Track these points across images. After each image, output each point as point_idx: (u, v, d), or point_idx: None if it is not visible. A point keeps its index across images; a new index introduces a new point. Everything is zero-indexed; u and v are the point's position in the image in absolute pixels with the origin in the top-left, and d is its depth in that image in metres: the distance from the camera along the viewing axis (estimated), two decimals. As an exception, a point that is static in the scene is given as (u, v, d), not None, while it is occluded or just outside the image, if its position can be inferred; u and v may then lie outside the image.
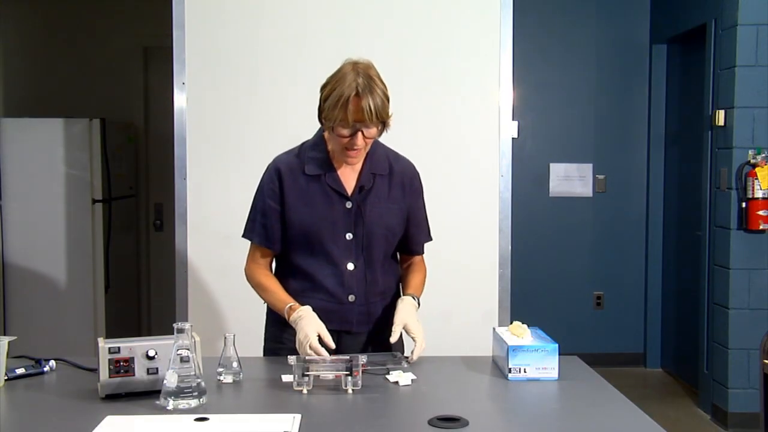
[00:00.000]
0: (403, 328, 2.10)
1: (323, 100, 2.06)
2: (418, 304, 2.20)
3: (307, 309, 2.08)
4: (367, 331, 2.21)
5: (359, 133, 2.02)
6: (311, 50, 3.04)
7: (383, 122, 2.06)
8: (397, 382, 1.95)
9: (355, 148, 2.05)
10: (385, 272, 2.22)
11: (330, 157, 2.16)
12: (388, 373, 2.00)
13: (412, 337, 2.08)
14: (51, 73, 5.40)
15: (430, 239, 2.33)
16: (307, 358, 1.90)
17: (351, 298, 2.16)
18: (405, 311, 2.12)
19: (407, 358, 2.08)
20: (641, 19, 5.46)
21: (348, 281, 2.16)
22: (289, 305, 2.10)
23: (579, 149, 5.48)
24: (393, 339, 2.07)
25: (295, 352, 2.04)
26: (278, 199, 2.16)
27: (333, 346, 2.01)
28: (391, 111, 2.07)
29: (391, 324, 2.11)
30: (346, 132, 2.03)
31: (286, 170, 2.16)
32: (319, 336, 2.01)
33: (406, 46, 3.12)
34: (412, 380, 1.97)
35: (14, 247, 4.64)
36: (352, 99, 1.99)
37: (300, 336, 2.02)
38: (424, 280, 2.30)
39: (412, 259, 2.31)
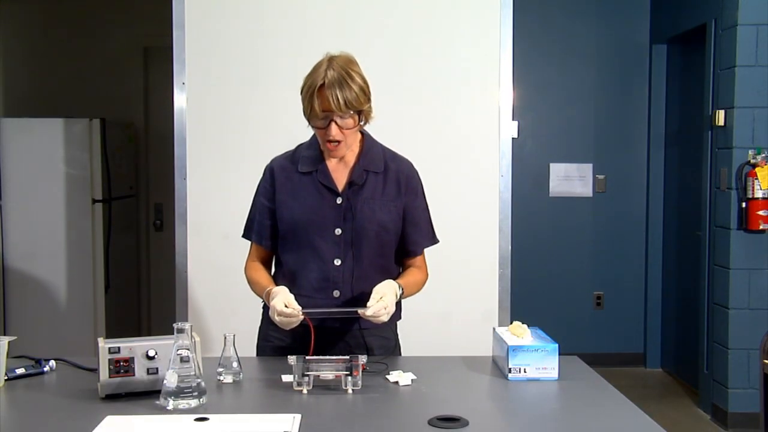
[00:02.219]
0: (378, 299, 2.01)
1: (302, 89, 2.10)
2: (401, 293, 2.13)
3: (281, 287, 2.08)
4: (354, 330, 2.18)
5: (332, 124, 2.05)
6: (311, 50, 3.02)
7: (359, 113, 2.08)
8: (397, 382, 1.95)
9: (330, 138, 2.07)
10: (377, 271, 2.18)
11: (323, 155, 2.18)
12: (389, 373, 2.00)
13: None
14: (51, 73, 5.40)
15: (433, 242, 2.29)
16: (307, 357, 1.90)
17: (336, 293, 2.15)
18: (384, 285, 2.06)
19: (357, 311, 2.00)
20: (641, 19, 5.47)
21: (333, 276, 2.15)
22: (267, 290, 2.12)
23: (579, 149, 5.48)
24: (368, 311, 1.98)
25: (280, 350, 2.12)
26: (270, 196, 2.20)
27: (298, 307, 1.99)
28: (372, 104, 2.10)
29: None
30: (320, 123, 2.07)
31: (279, 169, 2.22)
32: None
33: (406, 46, 3.12)
34: (412, 380, 1.97)
35: (14, 247, 4.64)
36: (319, 90, 2.03)
37: (270, 312, 2.03)
38: (419, 283, 2.25)
39: (410, 261, 2.27)
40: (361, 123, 2.13)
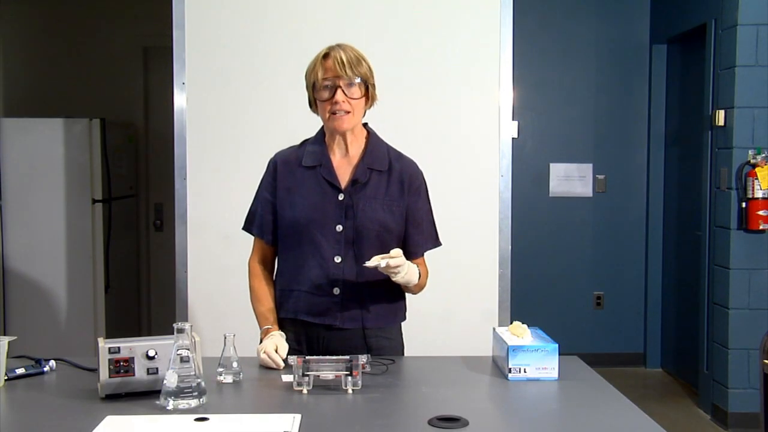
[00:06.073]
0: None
1: (305, 78, 2.14)
2: (418, 279, 2.16)
3: (278, 333, 2.13)
4: (356, 329, 2.18)
5: (338, 90, 2.07)
6: (311, 50, 3.03)
7: (365, 86, 2.10)
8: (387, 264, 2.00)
9: (338, 107, 2.08)
10: (378, 271, 2.16)
11: (327, 150, 2.18)
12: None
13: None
14: (51, 73, 5.40)
15: (436, 245, 2.28)
16: (307, 357, 1.91)
17: (336, 291, 2.15)
18: (402, 258, 2.06)
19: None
20: (641, 19, 5.46)
21: (333, 274, 2.14)
22: (266, 327, 2.16)
23: (579, 149, 5.48)
24: (369, 263, 2.03)
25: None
26: (272, 190, 2.20)
27: (284, 356, 2.05)
28: (375, 89, 2.15)
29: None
30: (326, 94, 2.09)
31: (282, 162, 2.21)
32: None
33: (406, 46, 3.12)
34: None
35: (14, 247, 4.63)
36: (323, 56, 2.09)
37: (258, 347, 2.10)
38: (425, 276, 2.24)
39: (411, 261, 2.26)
40: (367, 103, 2.15)
